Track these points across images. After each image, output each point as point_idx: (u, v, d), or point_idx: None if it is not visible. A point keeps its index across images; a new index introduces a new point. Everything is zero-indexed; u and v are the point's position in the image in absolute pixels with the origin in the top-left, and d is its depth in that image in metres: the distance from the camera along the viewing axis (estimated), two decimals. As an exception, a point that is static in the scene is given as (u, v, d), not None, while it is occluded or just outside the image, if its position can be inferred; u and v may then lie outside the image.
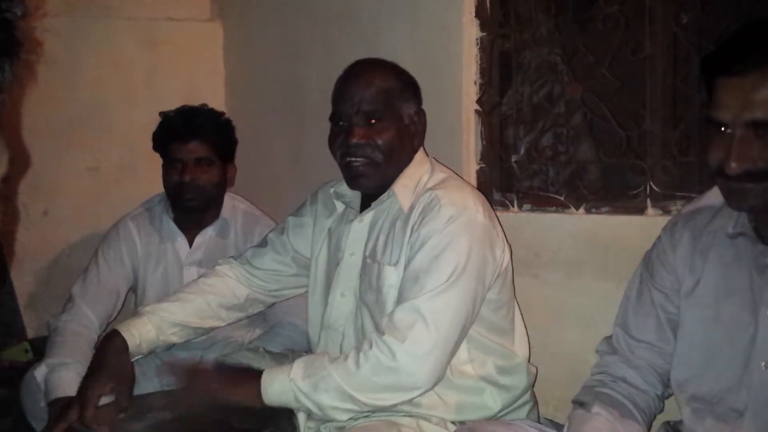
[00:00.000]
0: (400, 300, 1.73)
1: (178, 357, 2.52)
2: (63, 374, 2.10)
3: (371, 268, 1.85)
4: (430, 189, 1.81)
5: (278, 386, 1.69)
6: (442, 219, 1.74)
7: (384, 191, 1.86)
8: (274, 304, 2.27)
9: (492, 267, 1.80)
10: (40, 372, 2.16)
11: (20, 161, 2.74)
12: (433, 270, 1.70)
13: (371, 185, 1.87)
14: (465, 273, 1.70)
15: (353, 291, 1.90)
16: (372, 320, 1.82)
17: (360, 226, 1.91)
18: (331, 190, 2.00)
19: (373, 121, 1.82)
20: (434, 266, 1.70)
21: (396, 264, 1.79)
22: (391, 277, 1.79)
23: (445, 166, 1.98)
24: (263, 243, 2.16)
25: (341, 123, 1.85)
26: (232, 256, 2.20)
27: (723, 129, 1.35)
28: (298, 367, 1.70)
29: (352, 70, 1.91)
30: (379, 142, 1.81)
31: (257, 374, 1.72)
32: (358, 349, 1.68)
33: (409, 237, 1.77)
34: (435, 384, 1.69)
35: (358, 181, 1.86)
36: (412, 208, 1.81)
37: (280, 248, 2.11)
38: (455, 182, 1.88)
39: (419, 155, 1.92)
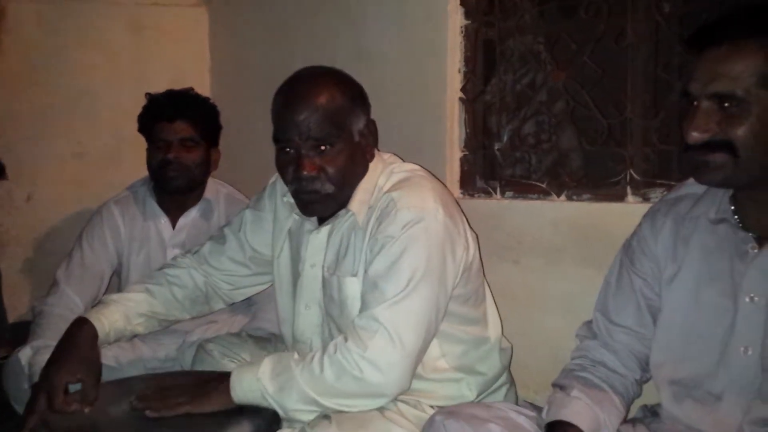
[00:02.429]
0: (362, 308, 1.68)
1: (161, 342, 2.53)
2: (47, 357, 2.09)
3: (331, 281, 1.79)
4: (387, 192, 1.74)
5: (246, 385, 1.63)
6: (398, 224, 1.67)
7: (340, 208, 1.79)
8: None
9: (453, 269, 1.74)
10: (24, 354, 2.17)
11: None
12: (391, 277, 1.64)
13: (324, 213, 1.81)
14: (424, 279, 1.64)
15: (317, 303, 1.85)
16: (339, 333, 1.76)
17: (318, 237, 1.84)
18: (285, 199, 1.90)
19: (323, 147, 1.71)
20: (392, 273, 1.64)
21: (356, 274, 1.74)
22: (353, 288, 1.74)
23: (401, 160, 1.89)
24: (221, 238, 2.06)
25: (288, 150, 1.74)
26: (189, 250, 2.12)
27: (695, 103, 1.37)
28: (266, 365, 1.64)
29: (294, 89, 1.76)
30: (331, 171, 1.71)
31: (227, 375, 1.66)
32: (324, 350, 1.63)
33: (368, 243, 1.72)
34: (402, 390, 1.65)
35: (309, 212, 1.80)
36: (369, 213, 1.75)
37: (237, 248, 2.03)
38: (414, 180, 1.78)
39: (373, 161, 1.83)
